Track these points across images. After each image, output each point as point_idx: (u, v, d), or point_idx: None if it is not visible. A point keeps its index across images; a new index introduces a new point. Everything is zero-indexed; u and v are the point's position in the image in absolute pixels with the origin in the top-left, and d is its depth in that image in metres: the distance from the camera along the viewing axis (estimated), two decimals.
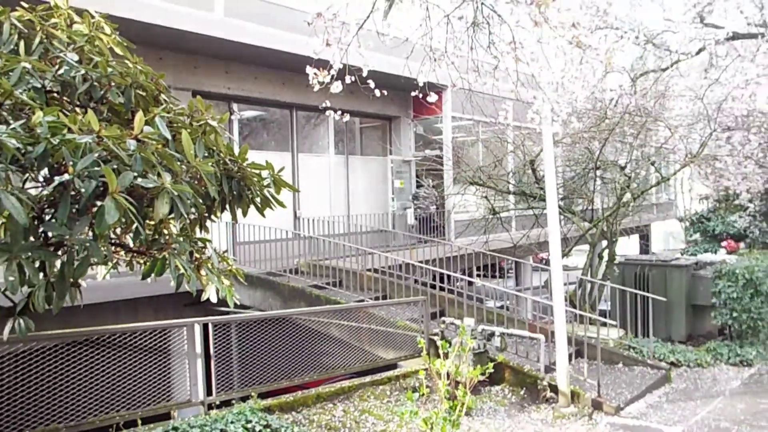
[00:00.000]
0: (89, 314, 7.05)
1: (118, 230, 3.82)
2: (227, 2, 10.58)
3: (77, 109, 3.30)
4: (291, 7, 11.61)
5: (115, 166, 2.76)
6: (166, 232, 3.96)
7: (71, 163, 2.63)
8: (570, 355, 7.83)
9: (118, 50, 3.98)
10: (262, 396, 6.60)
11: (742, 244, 18.84)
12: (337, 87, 4.38)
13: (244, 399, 6.44)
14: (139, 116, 2.96)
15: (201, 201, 3.45)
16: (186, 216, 3.11)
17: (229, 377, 6.62)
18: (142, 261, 4.45)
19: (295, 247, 11.64)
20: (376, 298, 10.08)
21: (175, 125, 3.55)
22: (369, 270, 10.94)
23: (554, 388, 7.37)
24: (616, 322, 8.79)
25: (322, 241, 11.60)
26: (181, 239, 3.73)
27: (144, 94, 3.72)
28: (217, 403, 6.25)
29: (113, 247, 4.28)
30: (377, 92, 5.40)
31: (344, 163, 15.03)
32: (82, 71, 3.38)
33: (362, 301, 9.81)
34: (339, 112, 5.02)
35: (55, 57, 3.48)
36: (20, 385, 5.12)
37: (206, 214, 4.10)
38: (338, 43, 4.02)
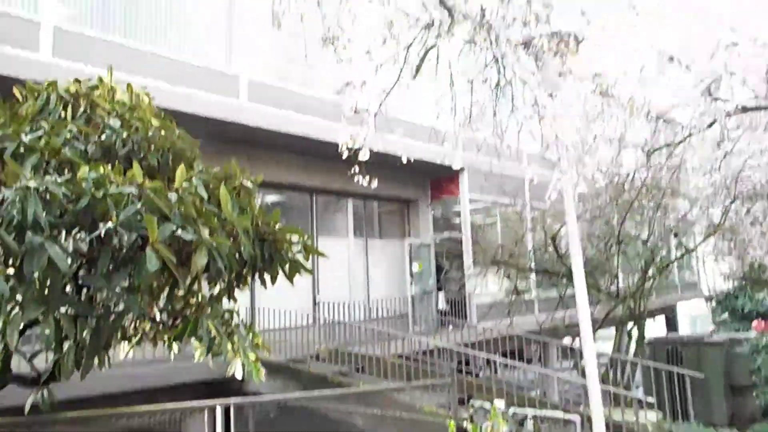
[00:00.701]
0: (103, 405, 6.87)
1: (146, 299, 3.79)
2: (250, 88, 11.03)
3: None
4: (314, 96, 12.10)
5: (155, 218, 2.78)
6: (193, 300, 3.93)
7: (114, 213, 2.65)
8: None
9: (154, 122, 4.13)
10: None
11: None
12: (365, 155, 4.44)
13: None
14: (181, 169, 3.02)
15: (236, 261, 3.43)
16: (223, 270, 3.07)
17: None
18: (166, 337, 4.39)
19: (314, 333, 11.45)
20: None
21: (210, 187, 3.60)
22: (392, 355, 10.67)
23: None
24: (653, 402, 8.37)
25: (342, 326, 11.42)
26: (214, 303, 3.70)
27: (181, 160, 3.81)
28: None
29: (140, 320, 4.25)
30: (395, 174, 5.48)
31: (363, 247, 15.06)
32: (124, 134, 3.48)
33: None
34: (367, 177, 5.05)
35: (97, 123, 3.60)
36: None
37: (235, 282, 4.07)
38: (366, 110, 4.12)
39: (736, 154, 9.51)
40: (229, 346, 3.95)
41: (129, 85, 3.95)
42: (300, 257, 4.28)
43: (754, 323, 18.31)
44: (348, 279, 14.22)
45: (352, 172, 5.01)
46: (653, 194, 10.40)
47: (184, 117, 9.91)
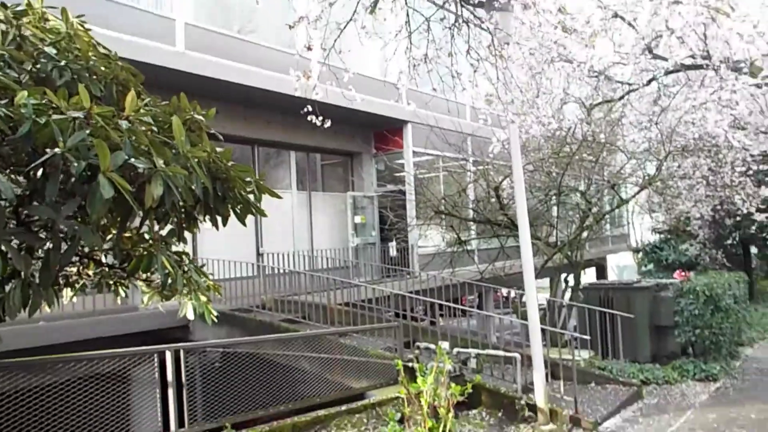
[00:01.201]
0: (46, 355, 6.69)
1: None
2: (188, 35, 10.56)
3: None
4: (257, 42, 11.72)
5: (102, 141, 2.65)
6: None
7: (60, 140, 2.51)
8: (546, 375, 7.81)
9: (91, 53, 3.89)
10: (237, 427, 6.31)
11: (693, 273, 19.44)
12: (317, 92, 4.35)
13: (217, 430, 6.15)
14: (131, 95, 2.88)
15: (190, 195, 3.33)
16: (179, 202, 2.98)
17: (201, 408, 6.31)
18: (111, 282, 4.27)
19: (259, 284, 11.41)
20: None
21: (160, 120, 3.46)
22: (338, 304, 10.76)
23: (532, 408, 7.30)
24: (587, 341, 8.83)
25: (287, 277, 11.40)
26: (166, 242, 3.61)
27: (125, 91, 3.62)
28: None
29: (84, 261, 4.11)
30: (339, 127, 5.39)
31: (306, 199, 14.97)
32: (62, 62, 3.28)
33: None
34: (320, 117, 4.96)
35: (29, 51, 3.36)
36: None
37: (185, 223, 3.97)
38: (321, 45, 4.02)
39: (671, 110, 9.87)
40: (183, 285, 3.88)
41: (64, 11, 3.69)
42: (252, 198, 4.20)
43: (676, 273, 19.47)
44: (292, 231, 14.15)
45: (305, 110, 4.90)
46: (592, 148, 10.71)
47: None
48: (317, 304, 10.73)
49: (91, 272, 4.16)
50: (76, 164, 2.49)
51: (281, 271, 11.80)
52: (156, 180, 2.73)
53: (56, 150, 2.46)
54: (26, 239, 2.59)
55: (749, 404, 7.84)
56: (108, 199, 2.51)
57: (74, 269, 4.08)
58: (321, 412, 7.33)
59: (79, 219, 2.80)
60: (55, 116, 2.63)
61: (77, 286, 4.18)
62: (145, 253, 3.29)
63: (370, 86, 12.46)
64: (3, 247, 2.47)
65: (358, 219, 15.64)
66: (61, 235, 2.71)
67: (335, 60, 4.77)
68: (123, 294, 4.32)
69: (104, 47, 3.96)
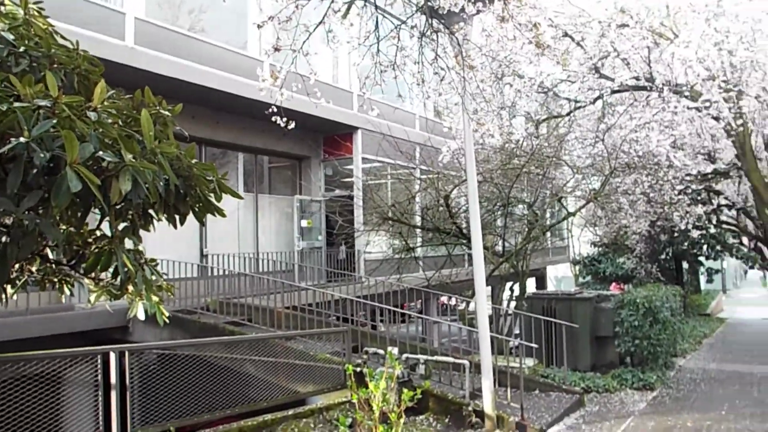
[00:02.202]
0: None
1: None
2: (138, 30, 10.25)
3: None
4: (209, 41, 11.49)
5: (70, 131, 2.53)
6: (92, 239, 3.68)
7: (25, 128, 2.38)
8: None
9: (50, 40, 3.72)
10: (181, 431, 6.13)
11: (629, 286, 20.24)
12: (284, 93, 4.29)
13: None
14: (101, 86, 2.76)
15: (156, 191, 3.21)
16: (149, 195, 2.87)
17: (145, 411, 6.08)
18: (56, 279, 4.10)
19: (203, 285, 11.14)
20: None
21: (124, 113, 3.33)
22: (284, 308, 10.61)
23: (479, 414, 7.39)
24: (532, 350, 9.03)
25: (233, 279, 11.18)
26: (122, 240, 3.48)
27: (86, 82, 3.48)
28: None
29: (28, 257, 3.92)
30: (289, 128, 5.31)
31: (253, 202, 14.74)
32: (21, 48, 3.11)
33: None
34: (284, 119, 4.88)
35: None
36: None
37: (141, 221, 3.83)
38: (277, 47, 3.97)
39: (616, 128, 10.26)
40: (135, 286, 3.74)
41: None
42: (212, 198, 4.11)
43: (613, 285, 20.24)
44: (237, 233, 13.90)
45: (270, 111, 4.81)
46: (540, 162, 10.99)
47: None
48: (263, 307, 10.55)
49: (34, 269, 3.97)
50: (41, 155, 2.36)
51: (225, 272, 11.55)
52: (124, 175, 2.62)
53: (21, 139, 2.33)
54: None
55: (685, 413, 8.19)
56: (72, 193, 2.39)
57: (17, 265, 3.88)
58: (268, 417, 7.21)
59: (40, 211, 2.66)
60: (17, 104, 2.49)
61: (19, 282, 3.98)
62: (105, 250, 3.15)
63: (322, 91, 12.41)
64: None
65: (304, 223, 15.51)
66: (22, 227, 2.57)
67: (300, 64, 4.74)
68: (68, 292, 4.14)
69: (62, 36, 3.80)
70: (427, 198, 13.94)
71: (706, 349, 14.31)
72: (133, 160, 2.68)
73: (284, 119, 4.92)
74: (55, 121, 2.45)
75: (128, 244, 3.89)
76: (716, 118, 10.03)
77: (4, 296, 3.35)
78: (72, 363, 5.66)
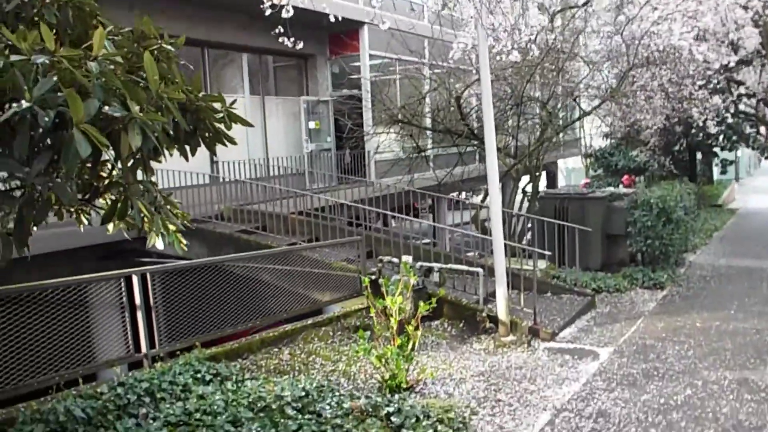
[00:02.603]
0: None
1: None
2: None
3: None
4: None
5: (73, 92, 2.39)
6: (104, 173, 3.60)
7: (26, 88, 2.24)
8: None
9: None
10: (206, 345, 6.36)
11: (641, 178, 20.14)
12: (288, 11, 4.02)
13: (188, 350, 6.17)
14: (100, 32, 2.56)
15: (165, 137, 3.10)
16: (159, 149, 2.77)
17: (170, 329, 6.28)
18: (72, 209, 4.07)
19: (214, 193, 11.17)
20: (308, 241, 9.87)
21: (124, 49, 3.14)
22: (294, 213, 10.67)
23: (493, 319, 7.59)
24: (545, 252, 9.11)
25: (246, 186, 11.18)
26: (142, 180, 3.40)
27: (82, 15, 3.26)
28: (161, 355, 5.95)
29: None
30: (292, 28, 5.03)
31: (260, 104, 14.44)
32: None
33: (294, 244, 9.58)
34: (292, 39, 4.63)
35: None
36: None
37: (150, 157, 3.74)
38: None
39: (636, 21, 9.71)
40: (152, 226, 3.72)
41: None
42: (222, 126, 3.99)
43: (624, 177, 20.13)
44: (245, 137, 13.71)
45: (277, 32, 4.55)
46: (554, 57, 10.54)
47: None
48: (276, 214, 10.60)
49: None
50: (46, 118, 2.23)
51: (236, 179, 11.53)
52: (133, 129, 2.51)
53: (23, 103, 2.19)
54: None
55: (694, 313, 8.37)
56: (88, 155, 2.30)
57: None
58: (288, 327, 7.45)
59: (51, 171, 2.57)
60: (14, 57, 2.34)
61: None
62: (120, 198, 3.09)
63: None
64: None
65: (312, 124, 15.27)
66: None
67: None
68: (86, 222, 4.13)
69: None
70: (437, 98, 13.57)
71: (716, 243, 14.40)
72: (139, 111, 2.56)
73: (285, 5, 4.64)
74: (55, 79, 2.30)
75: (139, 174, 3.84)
76: (745, 7, 9.45)
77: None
78: (96, 286, 5.78)
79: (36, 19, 3.13)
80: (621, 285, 9.69)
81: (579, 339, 7.39)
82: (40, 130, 2.36)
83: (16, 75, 2.24)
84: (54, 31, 3.13)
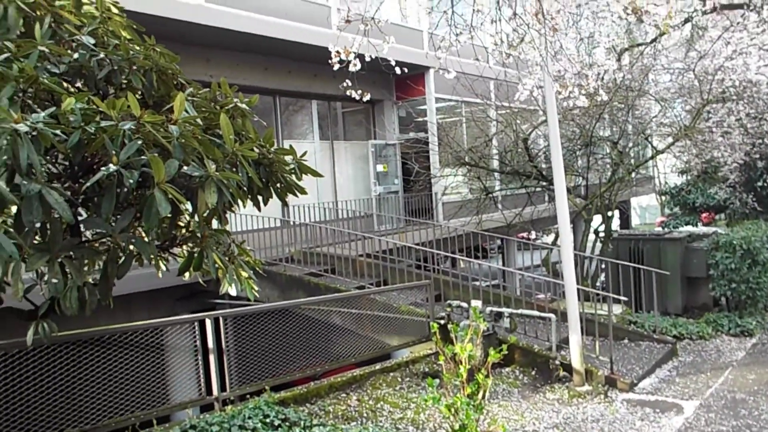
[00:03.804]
0: (82, 314, 6.77)
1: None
2: None
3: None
4: None
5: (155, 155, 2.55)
6: (185, 226, 3.76)
7: (114, 152, 2.40)
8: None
9: (126, 34, 3.72)
10: (275, 389, 6.43)
11: (721, 215, 19.18)
12: (355, 65, 4.16)
13: (257, 393, 6.27)
14: (180, 98, 2.73)
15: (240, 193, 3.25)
16: (232, 203, 2.89)
17: (240, 372, 6.41)
18: (165, 256, 4.27)
19: (284, 236, 11.45)
20: (377, 284, 9.93)
21: (202, 110, 3.33)
22: (362, 255, 10.78)
23: (566, 367, 7.34)
24: (620, 297, 8.78)
25: (314, 228, 11.41)
26: (216, 232, 3.55)
27: (164, 78, 3.48)
28: (231, 398, 6.06)
29: None
30: (360, 74, 5.20)
31: (329, 149, 14.82)
32: (101, 54, 3.12)
33: (362, 287, 9.64)
34: (359, 92, 4.78)
35: (68, 41, 3.21)
36: (29, 390, 4.86)
37: (225, 209, 3.90)
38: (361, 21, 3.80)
39: (708, 57, 9.43)
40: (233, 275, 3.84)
41: None
42: (293, 177, 4.13)
43: (704, 215, 19.22)
44: (315, 182, 14.05)
45: (345, 85, 4.71)
46: (624, 95, 10.34)
47: (137, 17, 9.23)
48: (344, 256, 10.72)
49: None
50: (131, 180, 2.39)
51: (306, 223, 11.79)
52: (210, 188, 2.64)
53: (111, 167, 2.35)
54: (84, 254, 2.53)
55: None
56: (167, 213, 2.43)
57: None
58: (356, 372, 7.44)
59: (134, 227, 2.73)
60: (104, 123, 2.52)
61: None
62: (197, 251, 3.23)
63: (391, 32, 12.08)
64: (63, 263, 2.42)
65: (380, 167, 15.49)
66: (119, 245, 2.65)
67: (367, 5, 4.59)
68: (164, 268, 4.31)
69: (136, 26, 3.79)
70: (504, 139, 13.52)
71: None
72: (215, 170, 2.69)
73: (353, 60, 4.81)
74: (140, 142, 2.46)
75: (214, 223, 4.00)
76: None
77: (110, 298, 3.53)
78: (172, 329, 5.99)
79: (124, 84, 3.38)
80: (705, 332, 9.16)
81: (660, 390, 7.01)
82: (125, 189, 2.51)
83: (105, 140, 2.41)
84: (139, 93, 3.38)
